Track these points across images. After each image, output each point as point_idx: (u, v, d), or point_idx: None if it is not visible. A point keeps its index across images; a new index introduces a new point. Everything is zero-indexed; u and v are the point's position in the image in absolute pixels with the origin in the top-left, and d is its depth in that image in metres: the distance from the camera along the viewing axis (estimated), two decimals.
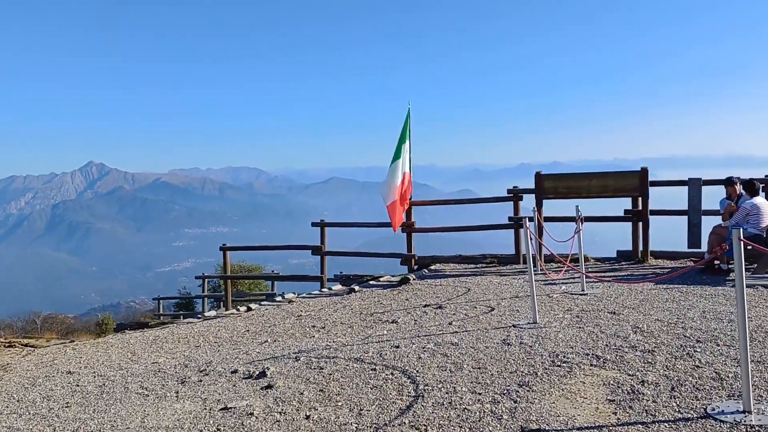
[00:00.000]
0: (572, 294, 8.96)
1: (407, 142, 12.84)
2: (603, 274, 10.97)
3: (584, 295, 8.83)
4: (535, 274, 11.07)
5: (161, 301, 23.36)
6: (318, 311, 9.86)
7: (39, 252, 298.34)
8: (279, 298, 12.93)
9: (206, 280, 31.15)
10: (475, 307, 8.47)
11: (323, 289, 13.15)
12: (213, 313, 14.15)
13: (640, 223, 11.94)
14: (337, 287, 13.44)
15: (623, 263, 12.04)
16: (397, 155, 12.50)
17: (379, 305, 9.61)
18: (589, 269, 11.69)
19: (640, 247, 12.05)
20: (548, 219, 12.25)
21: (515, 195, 12.81)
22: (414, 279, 11.71)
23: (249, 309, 12.02)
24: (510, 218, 12.87)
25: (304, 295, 12.70)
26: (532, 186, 12.74)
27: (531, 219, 12.35)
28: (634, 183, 11.78)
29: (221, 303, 21.69)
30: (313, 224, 14.20)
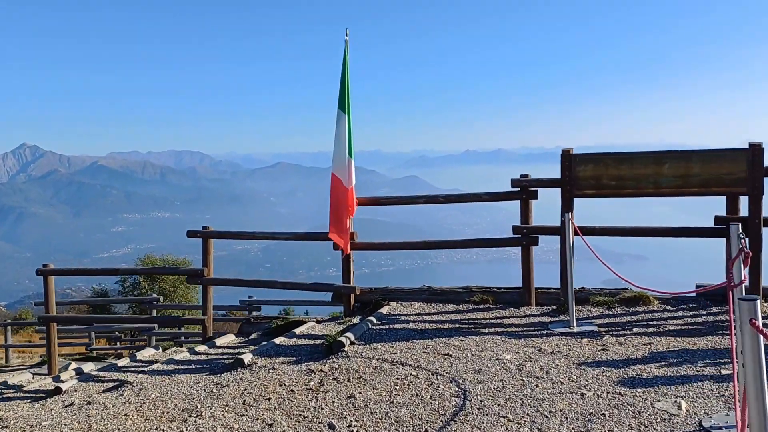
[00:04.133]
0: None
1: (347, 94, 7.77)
2: (695, 340, 5.91)
3: None
4: (568, 332, 5.90)
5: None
6: None
7: None
8: (121, 362, 7.57)
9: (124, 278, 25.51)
10: None
11: (201, 348, 7.71)
12: (26, 378, 8.70)
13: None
14: (226, 341, 8.06)
15: (713, 308, 6.99)
16: (342, 107, 7.68)
17: None
18: (662, 322, 6.67)
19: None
20: (589, 231, 7.10)
21: (524, 189, 7.60)
22: (351, 342, 6.38)
23: (57, 390, 6.67)
24: (517, 228, 7.65)
25: (162, 362, 7.29)
26: (544, 173, 7.65)
27: (549, 229, 7.23)
28: (739, 170, 6.73)
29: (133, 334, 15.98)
30: (190, 234, 8.70)
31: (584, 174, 7.16)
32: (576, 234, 6.87)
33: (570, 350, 5.72)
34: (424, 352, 5.94)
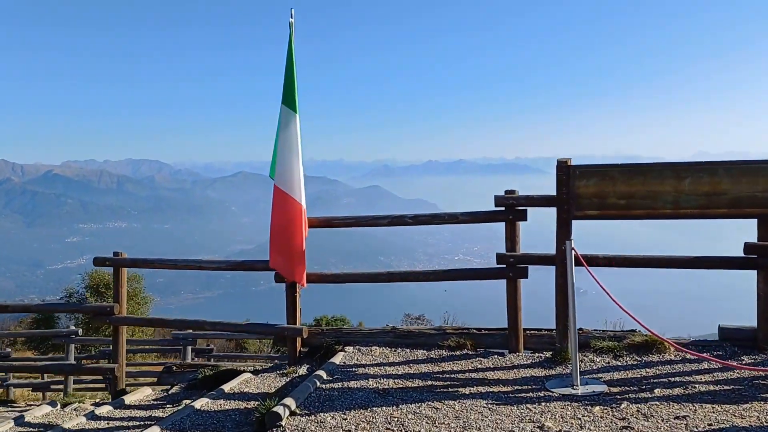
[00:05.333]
0: None
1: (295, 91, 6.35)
2: (741, 409, 4.55)
3: None
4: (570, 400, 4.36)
5: None
6: None
7: None
8: (2, 427, 5.92)
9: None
10: None
11: (103, 410, 6.08)
12: None
13: None
14: (139, 398, 6.44)
15: (743, 358, 5.65)
16: (292, 104, 6.38)
17: None
18: (687, 378, 5.30)
19: None
20: (591, 260, 5.70)
21: (511, 209, 6.18)
22: (291, 411, 4.83)
23: None
24: (502, 257, 6.22)
25: None
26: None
27: (557, 258, 5.83)
28: None
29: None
30: (98, 261, 7.08)
31: (586, 190, 5.77)
32: (578, 265, 5.47)
33: (581, 428, 4.28)
34: (388, 429, 4.44)
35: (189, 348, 11.87)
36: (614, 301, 5.16)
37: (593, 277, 5.36)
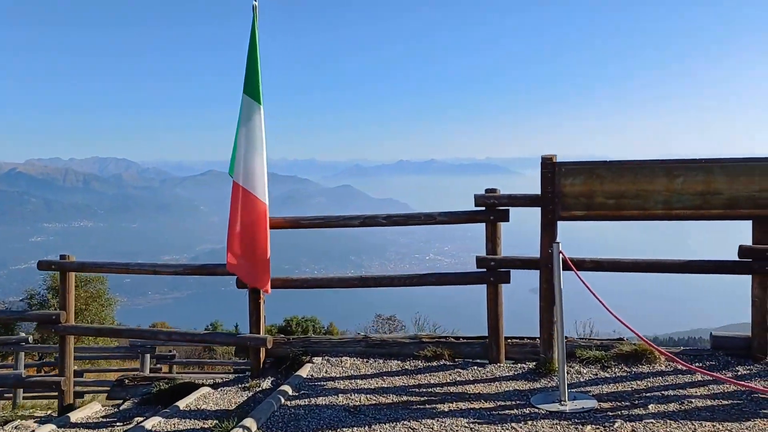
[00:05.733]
0: None
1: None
2: (743, 428, 4.19)
3: None
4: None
5: None
6: None
7: None
8: None
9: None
10: None
11: (46, 430, 5.50)
12: None
13: None
14: (87, 414, 5.89)
15: (738, 369, 5.30)
16: (256, 95, 5.87)
17: None
18: (681, 392, 4.94)
19: None
20: (578, 264, 5.28)
21: (492, 209, 5.75)
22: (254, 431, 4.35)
23: None
24: (482, 260, 5.79)
25: None
26: (522, 188, 5.86)
27: (544, 263, 5.42)
28: None
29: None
30: (43, 265, 6.51)
31: (572, 190, 5.37)
32: (566, 269, 5.07)
33: None
34: None
35: (147, 356, 11.25)
36: (612, 313, 4.76)
37: (584, 283, 4.95)
